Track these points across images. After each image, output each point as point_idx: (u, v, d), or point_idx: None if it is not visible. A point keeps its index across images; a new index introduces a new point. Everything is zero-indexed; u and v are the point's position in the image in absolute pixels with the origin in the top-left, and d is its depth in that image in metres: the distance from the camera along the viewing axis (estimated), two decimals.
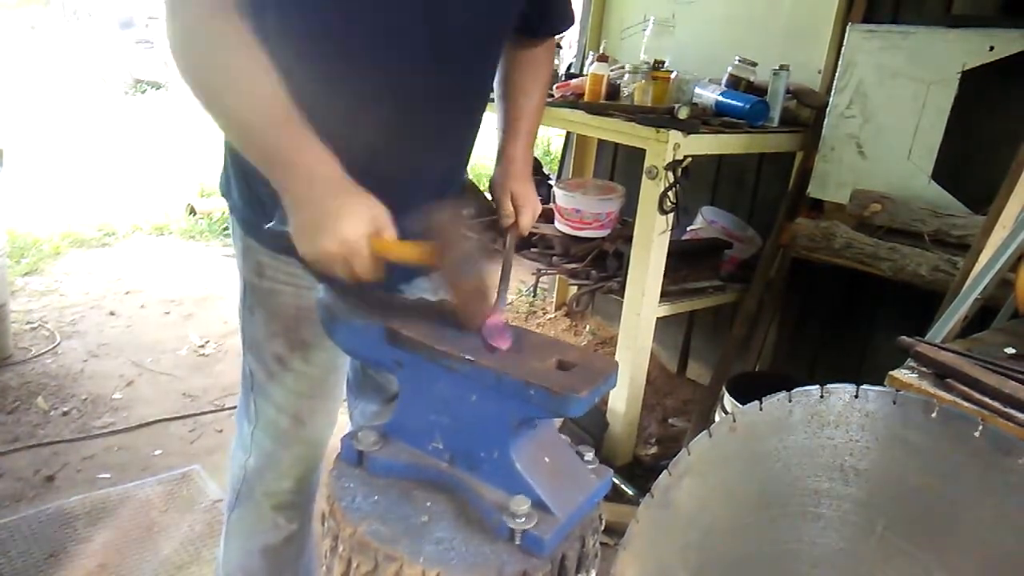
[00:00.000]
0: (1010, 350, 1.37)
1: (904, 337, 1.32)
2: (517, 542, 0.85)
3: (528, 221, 1.29)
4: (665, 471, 1.21)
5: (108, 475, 2.32)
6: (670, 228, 2.33)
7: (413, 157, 1.12)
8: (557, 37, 1.40)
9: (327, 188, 0.92)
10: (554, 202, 2.80)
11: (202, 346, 3.24)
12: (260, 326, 1.23)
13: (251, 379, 1.27)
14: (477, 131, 1.26)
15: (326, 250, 0.91)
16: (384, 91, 1.06)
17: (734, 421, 1.15)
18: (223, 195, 1.25)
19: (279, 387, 1.24)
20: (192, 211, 5.06)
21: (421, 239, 0.94)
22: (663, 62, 2.62)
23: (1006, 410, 1.13)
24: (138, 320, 3.47)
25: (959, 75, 2.10)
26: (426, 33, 1.04)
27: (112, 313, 3.52)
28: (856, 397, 1.06)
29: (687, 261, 2.59)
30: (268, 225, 1.04)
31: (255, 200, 1.16)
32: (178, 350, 3.20)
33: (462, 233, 0.93)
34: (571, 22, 1.32)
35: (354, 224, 0.90)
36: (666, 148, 2.20)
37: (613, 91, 2.71)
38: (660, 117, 2.27)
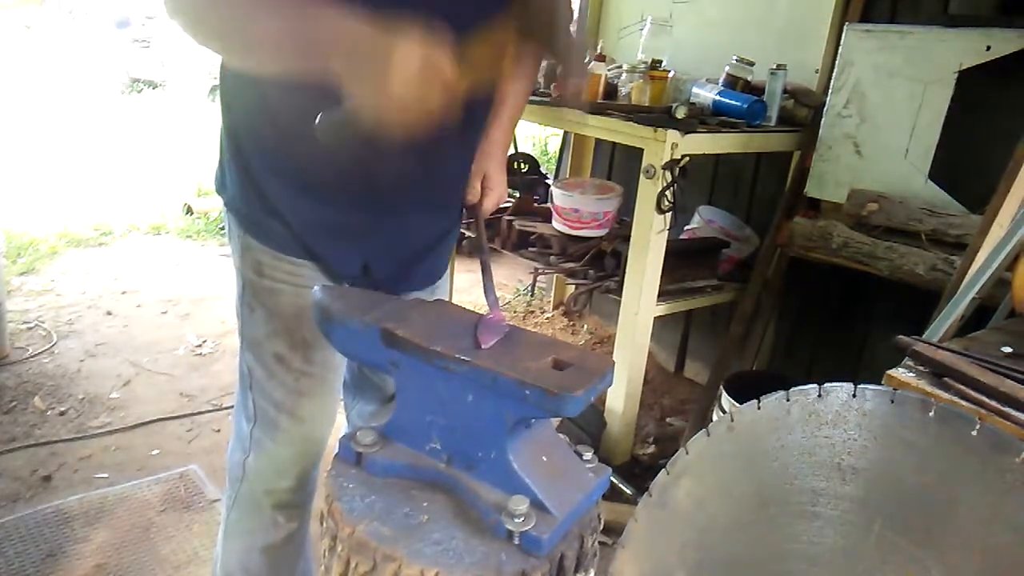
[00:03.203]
0: (1007, 349, 1.37)
1: (901, 336, 1.32)
2: (515, 542, 0.85)
3: (491, 204, 1.33)
4: (663, 470, 1.21)
5: (105, 475, 2.32)
6: (668, 227, 2.33)
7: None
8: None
9: (375, 39, 0.84)
10: (552, 201, 2.80)
11: (199, 346, 3.24)
12: (260, 325, 1.23)
13: (249, 377, 1.27)
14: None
15: (408, 73, 0.82)
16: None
17: (732, 420, 1.16)
18: (218, 192, 1.24)
19: (279, 386, 1.24)
20: (189, 210, 5.06)
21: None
22: (660, 61, 2.62)
23: (1003, 409, 1.13)
24: (135, 320, 3.47)
25: (956, 75, 2.11)
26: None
27: (109, 313, 3.51)
28: (854, 396, 1.06)
29: (685, 260, 2.59)
30: (319, 121, 0.91)
31: (256, 192, 1.15)
32: (175, 350, 3.19)
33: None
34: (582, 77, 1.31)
35: (418, 39, 0.83)
36: (664, 147, 2.20)
37: (611, 90, 2.71)
38: (658, 116, 2.28)
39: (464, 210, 1.36)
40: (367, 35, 0.85)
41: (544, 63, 2.99)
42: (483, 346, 0.91)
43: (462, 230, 2.79)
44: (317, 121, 0.90)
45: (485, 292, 1.08)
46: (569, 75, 0.94)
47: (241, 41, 0.92)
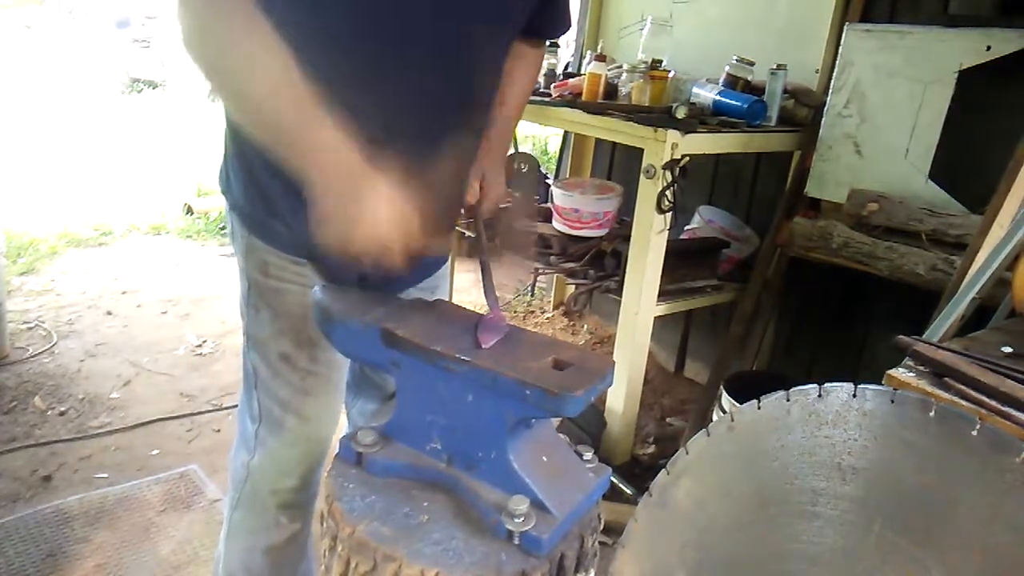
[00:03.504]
0: (1007, 349, 1.37)
1: (902, 336, 1.32)
2: (515, 542, 0.85)
3: (490, 206, 1.33)
4: (663, 470, 1.21)
5: (105, 475, 2.32)
6: (668, 227, 2.33)
7: (427, 141, 1.11)
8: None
9: (352, 178, 0.89)
10: (552, 201, 2.80)
11: (199, 346, 3.24)
12: (266, 324, 1.22)
13: (254, 377, 1.27)
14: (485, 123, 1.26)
15: (356, 246, 0.88)
16: (396, 85, 1.05)
17: (732, 420, 1.16)
18: (223, 192, 1.24)
19: (284, 385, 1.24)
20: (189, 210, 5.06)
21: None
22: (661, 61, 2.62)
23: (1003, 409, 1.13)
24: (135, 320, 3.47)
25: (956, 75, 2.11)
26: (437, 30, 1.04)
27: (109, 313, 3.51)
28: (854, 396, 1.06)
29: (685, 260, 2.59)
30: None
31: (259, 195, 1.15)
32: (175, 350, 3.19)
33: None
34: (568, 27, 1.33)
35: (386, 220, 0.88)
36: (664, 147, 2.20)
37: (611, 90, 2.71)
38: (658, 116, 2.27)
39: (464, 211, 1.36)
40: (344, 167, 0.89)
41: (544, 63, 3.00)
42: (483, 346, 0.91)
43: (462, 230, 2.79)
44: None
45: (485, 292, 1.08)
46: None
47: (236, 101, 0.96)
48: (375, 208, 0.88)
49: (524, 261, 2.93)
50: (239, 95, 0.95)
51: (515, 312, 3.86)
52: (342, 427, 1.46)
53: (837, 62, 2.37)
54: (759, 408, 1.13)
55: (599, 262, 2.67)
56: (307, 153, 0.91)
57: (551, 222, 2.82)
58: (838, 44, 2.38)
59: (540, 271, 2.87)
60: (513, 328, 0.98)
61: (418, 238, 0.92)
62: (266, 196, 1.14)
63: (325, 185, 0.90)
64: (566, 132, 3.70)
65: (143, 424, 2.61)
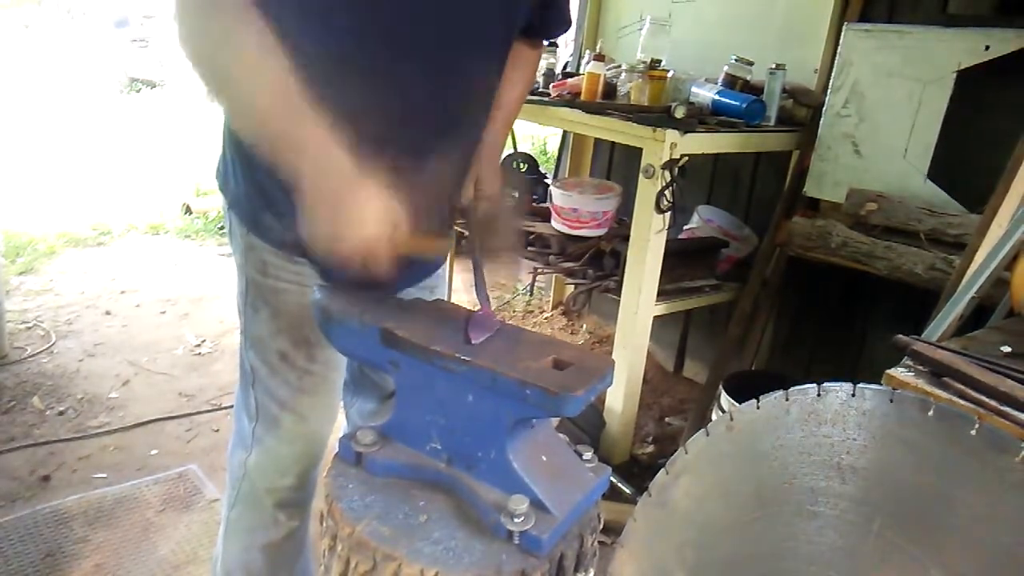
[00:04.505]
0: (1006, 348, 1.37)
1: (900, 336, 1.32)
2: (515, 541, 0.85)
3: (484, 206, 1.32)
4: (662, 470, 1.21)
5: (104, 475, 2.32)
6: (667, 227, 2.33)
7: (421, 146, 1.12)
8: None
9: (341, 179, 0.89)
10: (551, 201, 2.80)
11: (198, 345, 3.23)
12: (264, 323, 1.22)
13: (252, 375, 1.27)
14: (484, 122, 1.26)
15: (343, 248, 0.89)
16: (391, 89, 1.05)
17: (731, 420, 1.16)
18: (220, 189, 1.24)
19: (282, 384, 1.24)
20: (188, 210, 5.05)
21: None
22: (659, 61, 2.62)
23: (1002, 408, 1.14)
24: (134, 319, 3.47)
25: (955, 74, 2.11)
26: (433, 34, 1.04)
27: (108, 312, 3.51)
28: (853, 395, 1.06)
29: (683, 260, 2.59)
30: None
31: (258, 192, 1.15)
32: (174, 349, 3.19)
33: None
34: (568, 27, 1.33)
35: (373, 223, 0.88)
36: (663, 147, 2.20)
37: (610, 90, 2.71)
38: (657, 116, 2.28)
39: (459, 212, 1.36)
40: (334, 168, 0.89)
41: (543, 63, 3.00)
42: (473, 341, 0.91)
43: (460, 230, 2.78)
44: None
45: (476, 290, 1.08)
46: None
47: (230, 99, 0.96)
48: (363, 209, 0.88)
49: (517, 260, 2.93)
50: (232, 94, 0.95)
51: (514, 312, 3.86)
52: (340, 426, 1.46)
53: (836, 62, 2.37)
54: (758, 408, 1.13)
55: (598, 262, 2.67)
56: (296, 152, 0.91)
57: (550, 222, 2.82)
58: (837, 44, 2.38)
59: (539, 271, 2.87)
60: (506, 325, 0.98)
61: (407, 240, 0.92)
62: (265, 194, 1.14)
63: (314, 185, 0.90)
64: (565, 132, 3.70)
65: (142, 424, 2.61)
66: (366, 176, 0.90)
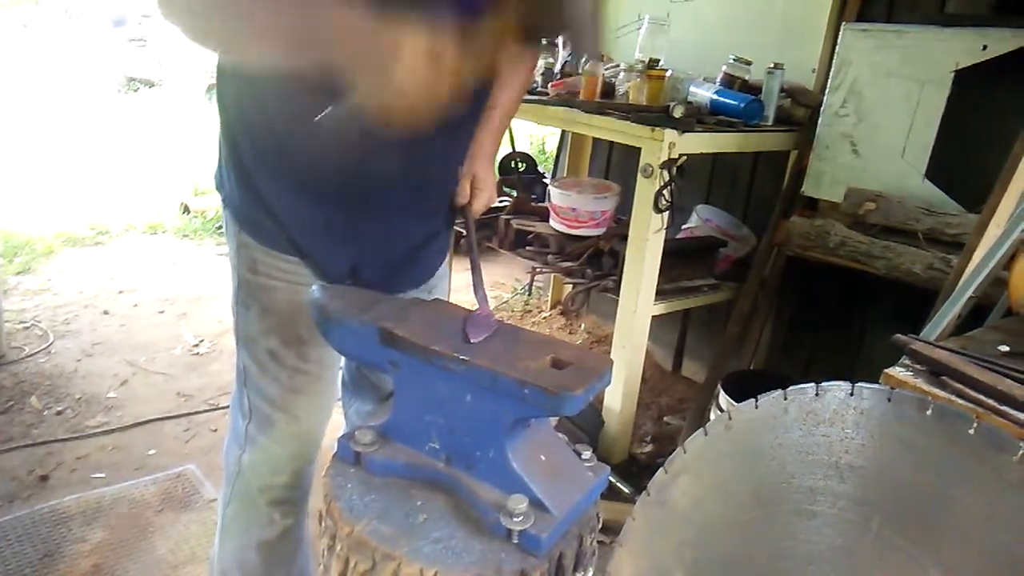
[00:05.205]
0: (1004, 347, 1.37)
1: (899, 335, 1.32)
2: (514, 541, 0.85)
3: (481, 205, 1.34)
4: (661, 469, 1.22)
5: (102, 475, 2.32)
6: (665, 226, 2.33)
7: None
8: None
9: (375, 23, 0.83)
10: (549, 200, 2.80)
11: (196, 345, 3.23)
12: (254, 321, 1.23)
13: (244, 374, 1.27)
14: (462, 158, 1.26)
15: (413, 62, 0.82)
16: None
17: (729, 419, 1.16)
18: (217, 188, 1.24)
19: (273, 382, 1.24)
20: (186, 210, 5.05)
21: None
22: (658, 61, 2.62)
23: (1000, 407, 1.14)
24: (132, 319, 3.46)
25: (953, 74, 2.11)
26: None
27: (106, 312, 3.51)
28: (851, 395, 1.07)
29: (682, 259, 2.60)
30: (324, 115, 0.90)
31: (251, 191, 1.15)
32: (172, 349, 3.19)
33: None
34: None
35: (421, 29, 0.82)
36: (661, 147, 2.20)
37: (608, 90, 2.71)
38: (655, 116, 2.28)
39: (454, 212, 1.36)
40: (370, 26, 0.84)
41: (541, 63, 3.00)
42: (472, 341, 0.91)
43: (459, 230, 2.79)
44: (322, 115, 0.88)
45: (474, 289, 1.09)
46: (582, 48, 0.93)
47: (239, 38, 0.91)
48: (407, 43, 0.82)
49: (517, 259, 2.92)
50: (233, 26, 0.89)
51: (513, 311, 3.86)
52: (337, 426, 1.46)
53: (834, 61, 2.37)
54: (756, 407, 1.14)
55: (596, 261, 2.67)
56: (326, 34, 0.85)
57: (548, 221, 2.82)
58: (835, 43, 2.38)
59: (537, 270, 2.87)
60: (504, 325, 0.98)
61: (458, 65, 0.85)
62: (257, 191, 1.15)
63: (354, 49, 0.84)
64: (564, 131, 3.70)
65: (140, 424, 2.61)
66: (400, 21, 0.83)
